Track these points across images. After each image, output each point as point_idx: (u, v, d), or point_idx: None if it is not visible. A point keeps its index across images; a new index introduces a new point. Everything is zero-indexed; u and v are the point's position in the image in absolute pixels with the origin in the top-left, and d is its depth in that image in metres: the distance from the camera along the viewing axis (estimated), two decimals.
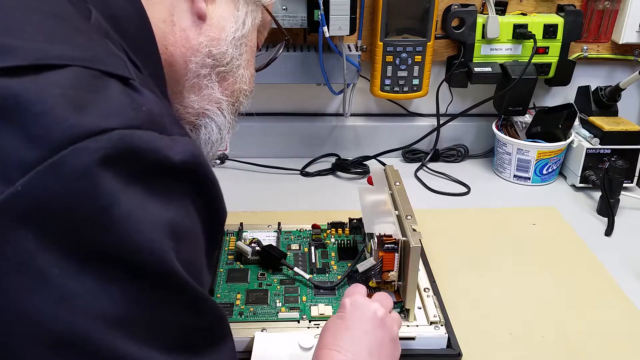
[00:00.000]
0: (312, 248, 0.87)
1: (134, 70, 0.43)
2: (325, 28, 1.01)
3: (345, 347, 0.56)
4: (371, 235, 0.73)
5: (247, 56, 0.61)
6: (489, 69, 1.15)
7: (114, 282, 0.35)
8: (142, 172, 0.37)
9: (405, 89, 1.15)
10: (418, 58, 1.13)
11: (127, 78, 0.40)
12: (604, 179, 1.02)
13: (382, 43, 1.11)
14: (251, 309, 0.74)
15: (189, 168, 0.40)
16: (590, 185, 1.12)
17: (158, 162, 0.38)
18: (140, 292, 0.37)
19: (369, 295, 0.65)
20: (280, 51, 0.72)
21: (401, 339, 0.69)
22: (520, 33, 1.12)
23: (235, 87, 0.61)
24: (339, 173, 1.19)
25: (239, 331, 0.70)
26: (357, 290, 0.64)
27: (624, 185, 1.06)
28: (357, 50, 1.11)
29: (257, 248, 0.83)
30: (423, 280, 0.80)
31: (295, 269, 0.80)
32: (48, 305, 0.34)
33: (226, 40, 0.57)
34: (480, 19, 1.13)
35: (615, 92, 1.14)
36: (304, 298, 0.76)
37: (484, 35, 1.13)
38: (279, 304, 0.75)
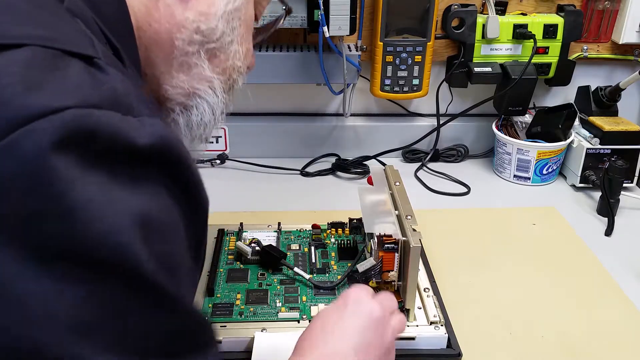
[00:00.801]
0: (312, 248, 0.86)
1: (103, 50, 0.40)
2: (325, 28, 1.01)
3: (331, 339, 0.54)
4: (371, 235, 0.73)
5: (241, 30, 0.56)
6: (489, 69, 1.15)
7: (73, 281, 0.32)
8: (101, 156, 0.34)
9: (405, 89, 1.15)
10: (418, 58, 1.13)
11: (92, 57, 0.38)
12: (604, 179, 1.02)
13: (382, 43, 1.11)
14: (251, 309, 0.74)
15: (158, 151, 0.37)
16: (590, 185, 1.12)
17: (119, 144, 0.35)
18: (102, 292, 0.33)
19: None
20: (281, 22, 0.68)
21: (401, 339, 0.69)
22: (520, 33, 1.12)
23: (228, 64, 0.57)
24: (339, 173, 1.19)
25: (239, 331, 0.70)
26: (360, 287, 0.62)
27: (624, 185, 1.06)
28: (357, 50, 1.11)
29: (257, 248, 0.83)
30: (423, 280, 0.80)
31: (295, 269, 0.80)
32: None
33: (216, 14, 0.53)
34: (480, 19, 1.13)
35: (615, 92, 1.14)
36: (304, 298, 0.76)
37: (484, 35, 1.13)
38: (279, 304, 0.75)
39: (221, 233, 0.89)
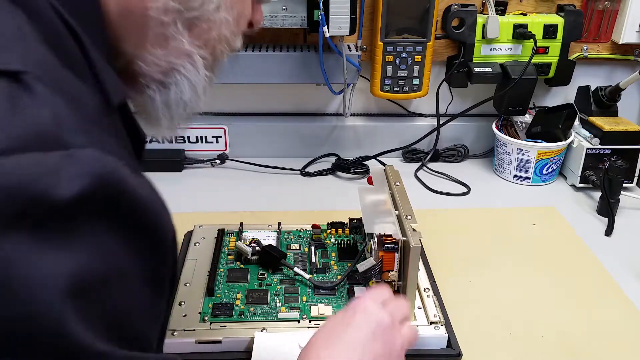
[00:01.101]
0: (312, 248, 0.86)
1: (38, 56, 0.35)
2: (325, 28, 1.01)
3: (336, 351, 0.52)
4: (371, 235, 0.73)
5: None
6: (489, 69, 1.15)
7: None
8: (17, 216, 0.29)
9: (405, 89, 1.15)
10: (418, 58, 1.13)
11: (18, 72, 0.32)
12: (604, 179, 1.02)
13: (382, 43, 1.11)
14: (251, 309, 0.74)
15: (92, 191, 0.31)
16: (590, 185, 1.12)
17: (39, 198, 0.29)
18: None
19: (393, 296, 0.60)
20: None
21: None
22: (520, 33, 1.12)
23: (211, 34, 0.49)
24: (339, 173, 1.19)
25: (239, 331, 0.70)
26: (371, 295, 0.58)
27: (624, 185, 1.06)
28: (357, 50, 1.11)
29: (257, 248, 0.83)
30: (423, 280, 0.80)
31: (295, 269, 0.80)
32: None
33: None
34: (480, 19, 1.13)
35: (615, 92, 1.14)
36: (304, 298, 0.76)
37: (484, 35, 1.13)
38: (279, 304, 0.75)
39: (221, 233, 0.89)
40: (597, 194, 1.08)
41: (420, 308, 0.74)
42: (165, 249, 0.38)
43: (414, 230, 0.70)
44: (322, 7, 0.99)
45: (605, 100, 1.15)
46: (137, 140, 0.47)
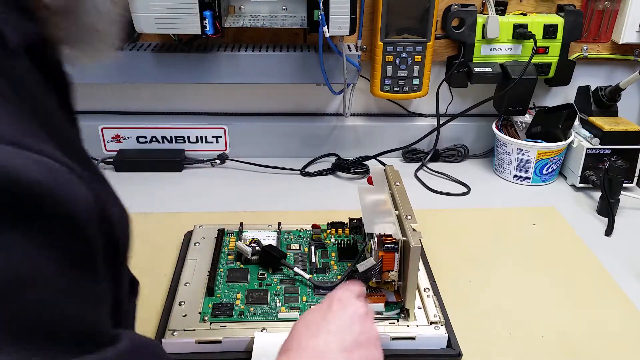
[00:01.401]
0: (312, 248, 0.87)
1: None
2: (325, 28, 1.01)
3: (316, 337, 0.54)
4: (371, 235, 0.73)
5: None
6: (489, 69, 1.15)
7: None
8: None
9: (405, 89, 1.16)
10: (418, 58, 1.13)
11: None
12: (604, 179, 1.02)
13: (382, 43, 1.11)
14: (251, 309, 0.74)
15: None
16: (590, 185, 1.12)
17: None
18: None
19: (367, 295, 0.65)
20: None
21: (401, 338, 0.69)
22: (520, 33, 1.12)
23: None
24: (339, 173, 1.19)
25: (239, 331, 0.71)
26: (345, 287, 0.62)
27: (624, 185, 1.06)
28: (357, 50, 1.11)
29: (257, 248, 0.83)
30: (423, 280, 0.80)
31: (295, 269, 0.80)
32: None
33: None
34: (480, 19, 1.13)
35: (615, 92, 1.14)
36: (304, 298, 0.76)
37: (484, 35, 1.13)
38: (279, 304, 0.75)
39: (221, 233, 0.89)
40: (597, 194, 1.08)
41: (420, 308, 0.74)
42: (81, 225, 0.33)
43: (414, 230, 0.70)
44: (322, 7, 0.99)
45: (605, 100, 1.15)
46: (61, 82, 0.44)
